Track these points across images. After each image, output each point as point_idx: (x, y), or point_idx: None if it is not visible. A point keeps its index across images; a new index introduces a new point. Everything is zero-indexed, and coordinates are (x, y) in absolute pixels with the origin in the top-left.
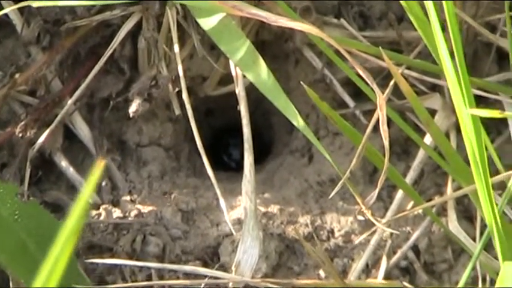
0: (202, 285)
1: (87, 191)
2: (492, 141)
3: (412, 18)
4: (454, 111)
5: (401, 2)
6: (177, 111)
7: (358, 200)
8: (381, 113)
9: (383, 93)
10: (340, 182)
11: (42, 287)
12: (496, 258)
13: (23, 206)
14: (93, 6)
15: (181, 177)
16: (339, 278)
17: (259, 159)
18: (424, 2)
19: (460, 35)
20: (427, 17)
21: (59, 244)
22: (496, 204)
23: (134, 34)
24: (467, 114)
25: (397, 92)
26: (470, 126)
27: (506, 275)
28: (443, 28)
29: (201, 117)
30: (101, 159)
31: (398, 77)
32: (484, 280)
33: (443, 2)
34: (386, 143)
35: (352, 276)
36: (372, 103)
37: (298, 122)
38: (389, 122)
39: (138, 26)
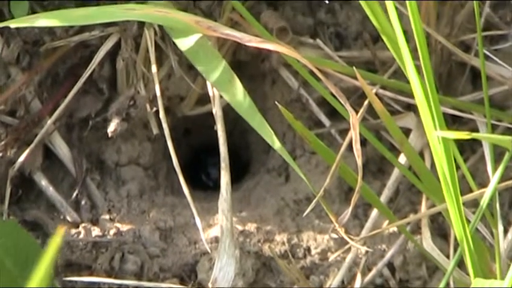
0: None
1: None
2: (466, 160)
3: (384, 38)
4: None
5: (374, 22)
6: (155, 131)
7: (332, 218)
8: (354, 132)
9: (357, 112)
10: (314, 201)
11: None
12: (469, 274)
13: (2, 224)
14: (72, 27)
15: (160, 195)
16: None
17: (237, 177)
18: (391, 20)
19: (434, 55)
20: None
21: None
22: (469, 222)
23: (112, 55)
24: (436, 136)
25: (372, 111)
26: (440, 148)
27: None
28: (415, 48)
29: (179, 137)
30: (61, 228)
31: (371, 96)
32: None
33: (411, 21)
34: (359, 161)
35: None
36: (348, 122)
37: (274, 141)
38: (365, 141)
39: (116, 47)
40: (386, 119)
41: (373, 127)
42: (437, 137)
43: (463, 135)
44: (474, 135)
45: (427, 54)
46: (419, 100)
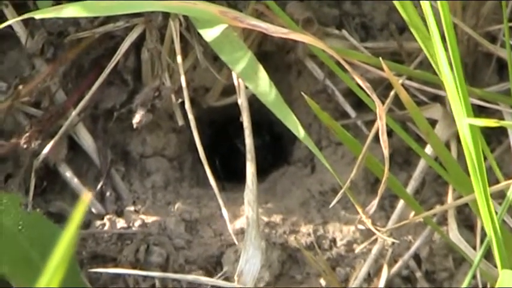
0: None
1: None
2: (492, 151)
3: (412, 29)
4: (454, 121)
5: (401, 13)
6: (180, 122)
7: (358, 209)
8: (381, 122)
9: (384, 103)
10: (341, 192)
11: None
12: (496, 266)
13: (27, 216)
14: (97, 18)
15: (185, 187)
16: (340, 287)
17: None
18: (424, 12)
19: (460, 45)
20: (427, 28)
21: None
22: (496, 213)
23: (137, 46)
24: (465, 123)
25: (398, 102)
26: (468, 136)
27: (504, 283)
28: (443, 39)
29: (204, 128)
30: (87, 194)
31: (398, 87)
32: None
33: (441, 12)
34: (386, 152)
35: (353, 285)
36: (374, 113)
37: (299, 132)
38: (391, 133)
39: (141, 38)
40: (413, 110)
41: (399, 118)
42: (466, 125)
43: (492, 122)
44: (502, 123)
45: (455, 44)
46: (450, 88)
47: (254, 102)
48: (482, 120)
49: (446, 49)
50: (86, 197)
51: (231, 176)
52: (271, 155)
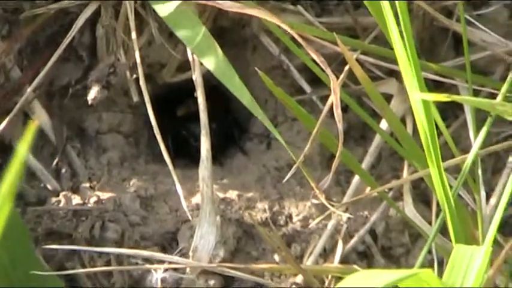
0: (161, 270)
1: (22, 149)
2: (448, 126)
3: (366, 3)
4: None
5: None
6: (135, 98)
7: (312, 184)
8: (335, 97)
9: (338, 78)
10: (294, 167)
11: None
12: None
13: None
14: None
15: (141, 163)
16: (295, 263)
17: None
18: None
19: (416, 20)
20: None
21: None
22: (451, 188)
23: (92, 22)
24: (417, 98)
25: (354, 77)
26: (421, 110)
27: (457, 256)
28: (397, 13)
29: (160, 104)
30: (34, 121)
31: (352, 62)
32: (440, 263)
33: None
34: (340, 126)
35: (308, 261)
36: (329, 89)
37: (255, 108)
38: (347, 108)
39: (96, 14)
40: (367, 85)
41: (354, 93)
42: (419, 100)
43: (443, 97)
44: (454, 97)
45: (407, 17)
46: (403, 63)
47: (211, 78)
48: (433, 95)
49: (398, 24)
50: (33, 124)
51: (186, 153)
52: (227, 131)
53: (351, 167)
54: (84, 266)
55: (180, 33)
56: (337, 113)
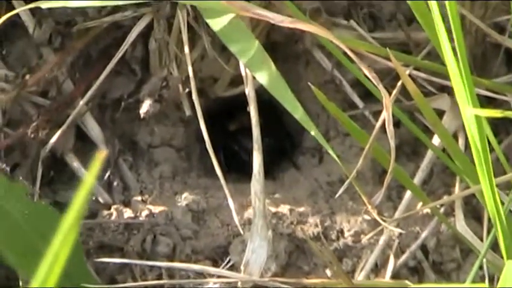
0: (212, 284)
1: (88, 180)
2: (500, 142)
3: (419, 19)
4: None
5: (408, 2)
6: (188, 112)
7: (364, 199)
8: (387, 113)
9: (391, 94)
10: (347, 182)
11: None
12: (503, 257)
13: (33, 206)
14: (104, 7)
15: (193, 177)
16: (346, 278)
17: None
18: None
19: (468, 36)
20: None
21: (59, 237)
22: (502, 204)
23: (145, 35)
24: (469, 113)
25: (406, 93)
26: (473, 126)
27: (509, 273)
28: (450, 29)
29: (212, 118)
30: (102, 151)
31: (405, 77)
32: (491, 280)
33: (447, 3)
34: (392, 142)
35: (360, 276)
36: (381, 104)
37: (307, 123)
38: (399, 124)
39: (149, 27)
40: (420, 101)
41: (406, 109)
42: (471, 115)
43: (496, 113)
44: (507, 113)
45: (460, 33)
46: (455, 79)
47: (264, 92)
48: (486, 111)
49: (451, 39)
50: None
51: (238, 167)
52: (279, 145)
53: (403, 183)
54: (135, 280)
55: (233, 47)
56: (390, 129)
